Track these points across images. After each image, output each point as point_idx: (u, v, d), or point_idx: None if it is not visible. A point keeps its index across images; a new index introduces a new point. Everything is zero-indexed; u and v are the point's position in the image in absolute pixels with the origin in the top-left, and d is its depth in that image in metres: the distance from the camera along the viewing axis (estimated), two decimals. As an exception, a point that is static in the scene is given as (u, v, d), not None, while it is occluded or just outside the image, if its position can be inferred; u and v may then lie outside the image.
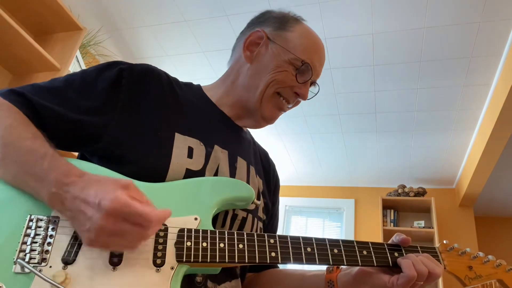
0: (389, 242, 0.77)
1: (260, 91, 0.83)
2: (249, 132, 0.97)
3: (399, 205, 4.08)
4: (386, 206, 4.07)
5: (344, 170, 4.23)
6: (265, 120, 0.87)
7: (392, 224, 3.99)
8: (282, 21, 0.87)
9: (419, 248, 0.75)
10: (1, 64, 2.14)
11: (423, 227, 3.86)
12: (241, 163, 0.83)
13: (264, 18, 0.90)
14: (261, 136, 3.75)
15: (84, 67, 2.44)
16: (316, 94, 0.91)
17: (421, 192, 3.97)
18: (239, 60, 0.88)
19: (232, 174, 0.79)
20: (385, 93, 2.93)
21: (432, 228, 3.76)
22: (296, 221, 4.60)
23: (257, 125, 0.90)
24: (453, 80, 2.70)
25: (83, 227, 0.52)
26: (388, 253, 0.72)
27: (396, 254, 0.73)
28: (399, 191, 4.02)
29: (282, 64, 0.82)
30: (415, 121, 3.22)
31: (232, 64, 0.90)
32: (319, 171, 4.33)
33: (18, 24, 1.96)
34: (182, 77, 0.90)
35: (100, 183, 0.54)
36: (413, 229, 3.81)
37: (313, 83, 0.88)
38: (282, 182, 4.48)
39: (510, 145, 3.05)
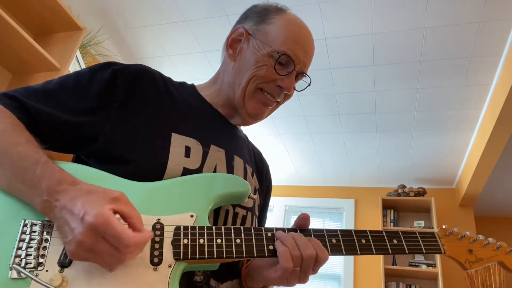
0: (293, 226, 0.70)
1: (242, 88, 0.82)
2: (242, 130, 0.97)
3: (399, 205, 4.07)
4: (386, 206, 4.06)
5: (344, 170, 4.22)
6: (251, 116, 0.84)
7: (392, 224, 3.99)
8: (262, 15, 0.85)
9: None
10: (1, 64, 2.14)
11: (423, 227, 3.86)
12: (238, 162, 0.83)
13: (247, 14, 0.89)
14: (261, 136, 3.74)
15: (84, 67, 2.44)
16: (309, 85, 0.87)
17: (421, 192, 3.96)
18: (225, 59, 0.89)
19: (230, 172, 0.79)
20: (385, 93, 2.93)
21: (432, 228, 3.75)
22: (296, 221, 4.60)
23: (245, 123, 0.88)
24: (453, 80, 2.69)
25: (66, 238, 0.52)
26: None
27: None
28: (399, 191, 4.02)
29: (261, 59, 0.80)
30: (415, 121, 3.21)
31: (221, 64, 0.91)
32: (319, 171, 4.33)
33: (18, 24, 1.96)
34: (182, 77, 0.90)
35: (90, 194, 0.54)
36: (413, 229, 3.80)
37: (300, 74, 0.84)
38: (282, 182, 4.45)
39: (510, 145, 3.04)
